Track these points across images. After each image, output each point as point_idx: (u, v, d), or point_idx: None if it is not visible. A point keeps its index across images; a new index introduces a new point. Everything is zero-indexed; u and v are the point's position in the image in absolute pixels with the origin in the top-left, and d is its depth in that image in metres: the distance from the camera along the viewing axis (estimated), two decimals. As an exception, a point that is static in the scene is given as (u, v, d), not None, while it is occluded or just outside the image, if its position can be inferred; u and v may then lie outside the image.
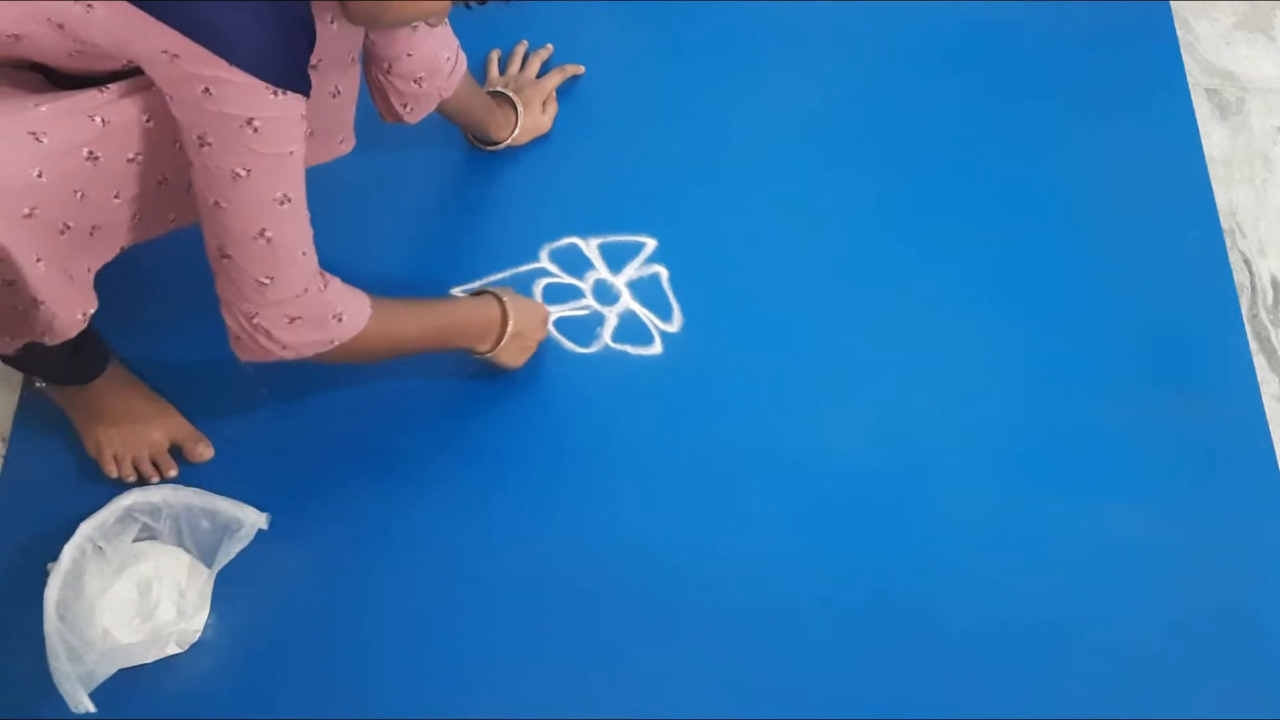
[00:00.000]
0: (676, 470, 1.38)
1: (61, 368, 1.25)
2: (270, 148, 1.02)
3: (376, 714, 1.24)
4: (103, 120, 1.01)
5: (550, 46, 1.62)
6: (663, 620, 1.30)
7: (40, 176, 0.98)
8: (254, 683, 1.25)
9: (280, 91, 1.00)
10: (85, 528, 1.21)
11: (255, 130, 1.00)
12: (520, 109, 1.53)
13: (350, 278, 1.49)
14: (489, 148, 1.54)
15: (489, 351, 1.33)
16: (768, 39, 1.67)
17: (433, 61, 1.30)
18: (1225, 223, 1.58)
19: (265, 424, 1.37)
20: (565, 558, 1.32)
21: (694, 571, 1.32)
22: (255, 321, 1.11)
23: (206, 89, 0.98)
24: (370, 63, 1.28)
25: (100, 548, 1.22)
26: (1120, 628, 1.32)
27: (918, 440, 1.41)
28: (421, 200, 1.54)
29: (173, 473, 1.32)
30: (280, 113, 1.01)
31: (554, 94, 1.58)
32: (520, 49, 1.61)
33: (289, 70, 1.01)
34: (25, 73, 1.05)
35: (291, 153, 1.04)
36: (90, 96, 1.01)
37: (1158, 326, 1.49)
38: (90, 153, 1.02)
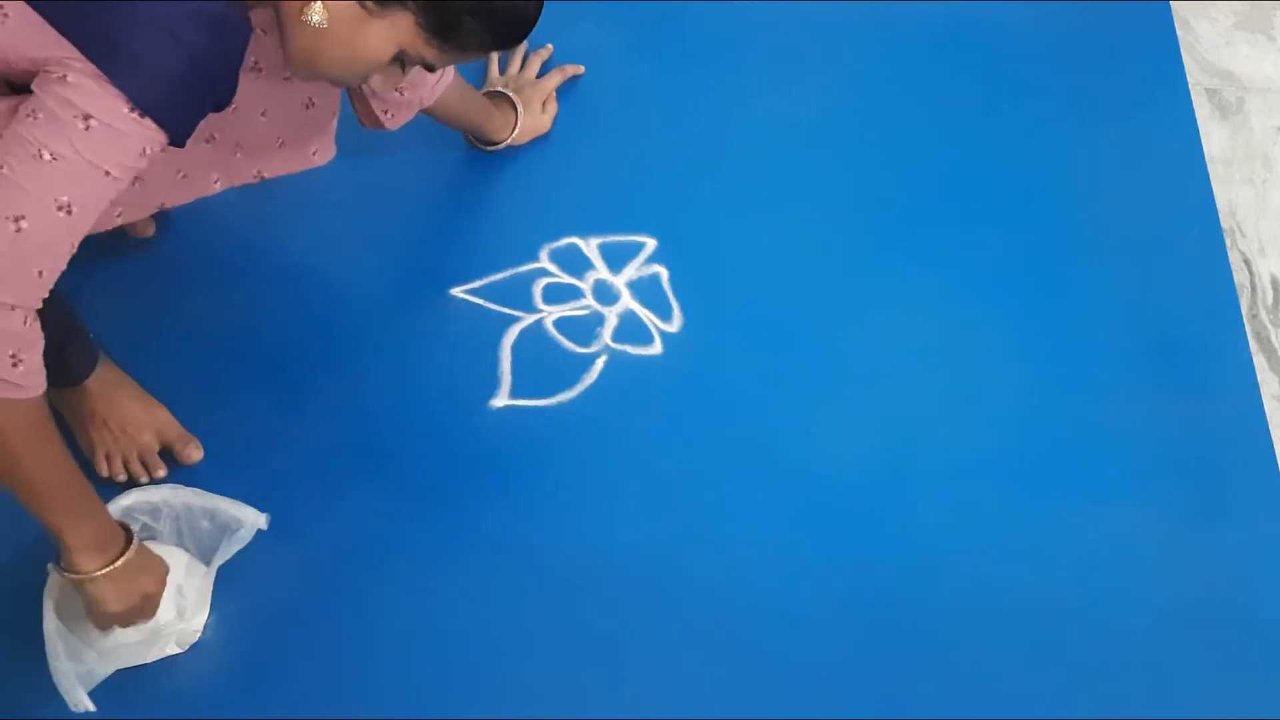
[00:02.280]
0: (676, 470, 1.37)
1: (50, 369, 1.24)
2: (89, 153, 0.96)
3: (376, 714, 1.24)
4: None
5: (550, 47, 1.62)
6: (663, 621, 1.30)
7: None
8: (254, 683, 1.24)
9: (139, 114, 0.96)
10: (85, 527, 1.21)
11: (87, 128, 0.95)
12: (520, 109, 1.53)
13: (350, 278, 1.50)
14: (489, 148, 1.54)
15: (76, 574, 1.11)
16: (768, 39, 1.67)
17: (415, 75, 1.29)
18: (1225, 223, 1.59)
19: (265, 424, 1.37)
20: (565, 558, 1.32)
21: (693, 572, 1.32)
22: None
23: (65, 76, 0.94)
24: None
25: (100, 548, 1.22)
26: (1120, 627, 1.31)
27: (917, 440, 1.40)
28: (421, 201, 1.54)
29: (161, 473, 1.32)
30: (124, 129, 0.96)
31: (554, 94, 1.58)
32: (520, 49, 1.61)
33: (167, 106, 0.97)
34: None
35: (107, 173, 0.97)
36: (8, 104, 0.99)
37: (1158, 326, 1.49)
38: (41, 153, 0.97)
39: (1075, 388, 1.45)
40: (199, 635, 1.25)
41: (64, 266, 0.99)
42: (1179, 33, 1.72)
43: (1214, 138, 1.65)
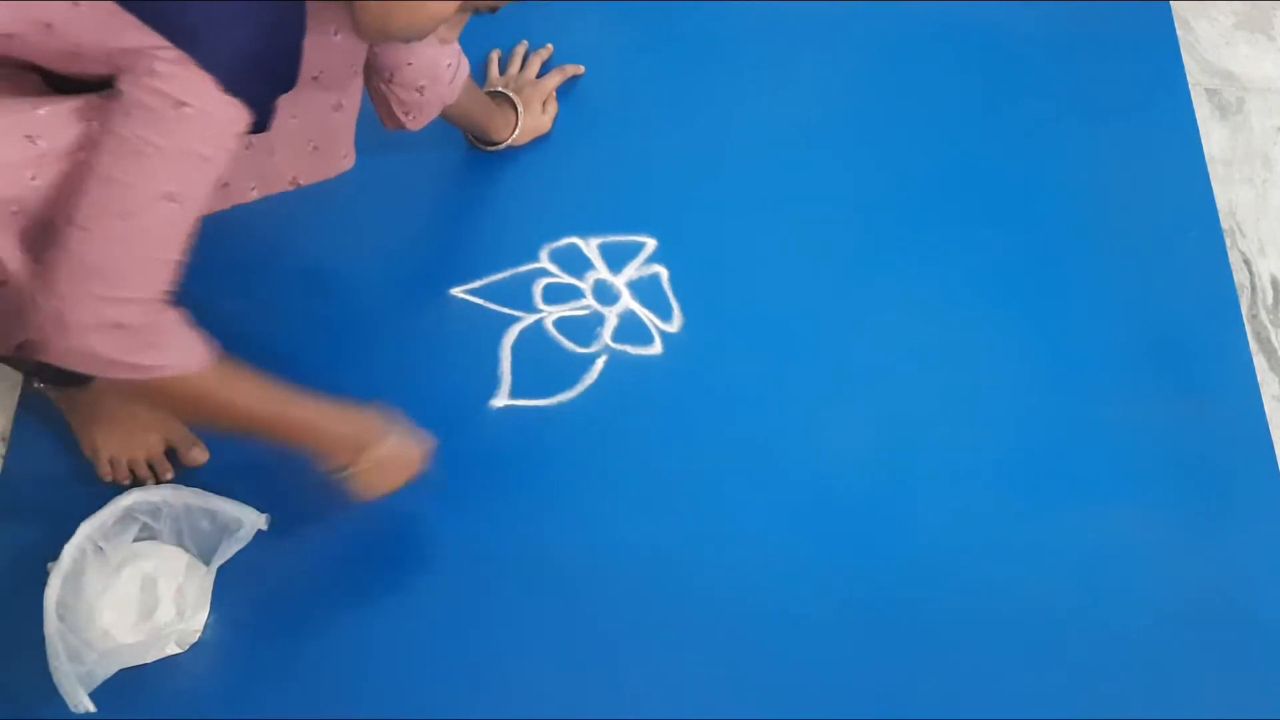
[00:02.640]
0: (676, 470, 1.37)
1: (59, 369, 1.25)
2: (189, 140, 0.97)
3: (376, 714, 1.24)
4: (99, 125, 1.00)
5: (550, 46, 1.62)
6: (663, 620, 1.30)
7: (34, 179, 0.98)
8: (254, 683, 1.25)
9: (228, 94, 0.97)
10: (85, 528, 1.21)
11: (183, 115, 0.96)
12: (520, 109, 1.53)
13: (351, 277, 1.50)
14: (489, 148, 1.54)
15: (337, 470, 1.21)
16: (768, 39, 1.67)
17: (434, 69, 1.30)
18: (1225, 223, 1.59)
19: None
20: (565, 557, 1.32)
21: (694, 571, 1.32)
22: (59, 307, 0.97)
23: (154, 67, 0.95)
24: (371, 72, 1.28)
25: (100, 548, 1.22)
26: (1120, 627, 1.32)
27: (917, 440, 1.40)
28: (421, 200, 1.54)
29: (169, 476, 1.32)
30: (216, 111, 0.97)
31: (554, 94, 1.58)
32: (520, 49, 1.61)
33: (249, 83, 0.99)
34: (26, 74, 1.05)
35: (206, 158, 0.99)
36: (88, 101, 1.01)
37: (1158, 327, 1.49)
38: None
39: (1075, 388, 1.45)
40: (199, 635, 1.25)
41: (183, 255, 1.01)
42: (1179, 33, 1.72)
43: (1214, 138, 1.65)
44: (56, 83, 1.05)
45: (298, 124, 1.20)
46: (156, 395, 1.09)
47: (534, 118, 1.55)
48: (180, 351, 1.04)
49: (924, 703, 1.27)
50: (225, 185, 1.20)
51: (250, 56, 0.99)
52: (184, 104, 0.96)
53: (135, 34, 0.95)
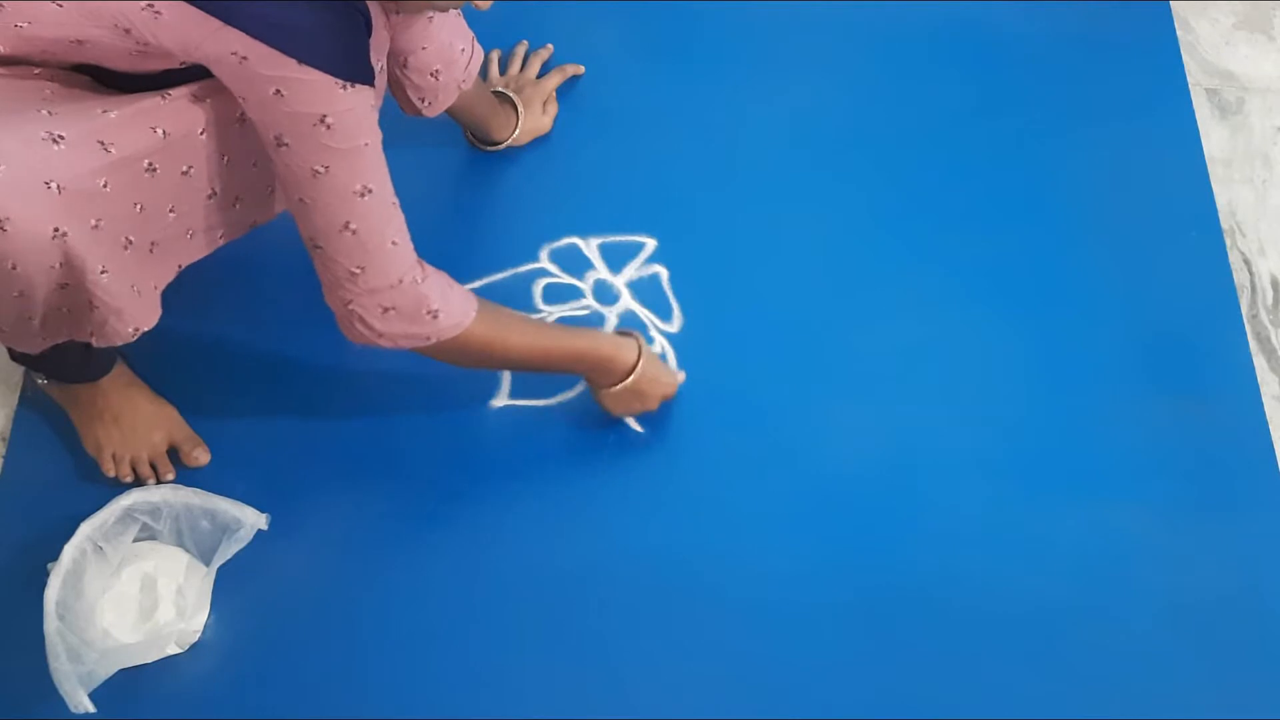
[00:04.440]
0: (676, 470, 1.37)
1: (74, 365, 1.25)
2: (345, 142, 1.03)
3: (376, 714, 1.24)
4: (163, 132, 1.03)
5: (550, 47, 1.62)
6: (663, 621, 1.30)
7: (105, 186, 0.99)
8: (254, 683, 1.25)
9: (349, 85, 1.01)
10: (85, 528, 1.21)
11: (329, 127, 1.01)
12: (521, 109, 1.53)
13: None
14: (489, 148, 1.54)
15: (598, 389, 1.34)
16: (768, 39, 1.67)
17: (448, 54, 1.30)
18: (1225, 223, 1.58)
19: (265, 424, 1.37)
20: (565, 557, 1.32)
21: (694, 571, 1.32)
22: (350, 308, 1.13)
23: (278, 90, 0.99)
24: (388, 59, 1.28)
25: (100, 548, 1.22)
26: (1121, 627, 1.32)
27: (917, 440, 1.40)
28: (421, 200, 1.52)
29: (170, 476, 1.32)
30: (351, 105, 1.02)
31: (554, 94, 1.58)
32: (520, 49, 1.61)
33: (354, 63, 1.02)
34: (73, 74, 1.05)
35: (367, 144, 1.05)
36: (154, 105, 1.02)
37: (1158, 326, 1.49)
38: (150, 164, 1.03)
39: (1075, 387, 1.45)
40: (199, 635, 1.25)
41: (403, 228, 1.11)
42: (1179, 33, 1.72)
43: (1214, 138, 1.65)
44: (106, 80, 1.05)
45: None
46: (445, 353, 1.20)
47: (534, 118, 1.55)
48: (450, 312, 1.16)
49: (925, 702, 1.27)
50: (273, 191, 1.21)
51: (341, 43, 1.01)
52: (324, 116, 1.01)
53: (227, 37, 0.97)
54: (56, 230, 0.97)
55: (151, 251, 1.10)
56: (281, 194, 1.10)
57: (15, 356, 1.27)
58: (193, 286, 1.45)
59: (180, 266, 1.16)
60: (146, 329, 1.13)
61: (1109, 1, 1.73)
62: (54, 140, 0.96)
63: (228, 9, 0.96)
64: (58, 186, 0.96)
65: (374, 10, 1.07)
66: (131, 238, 1.05)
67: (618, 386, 1.31)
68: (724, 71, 1.64)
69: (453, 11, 1.29)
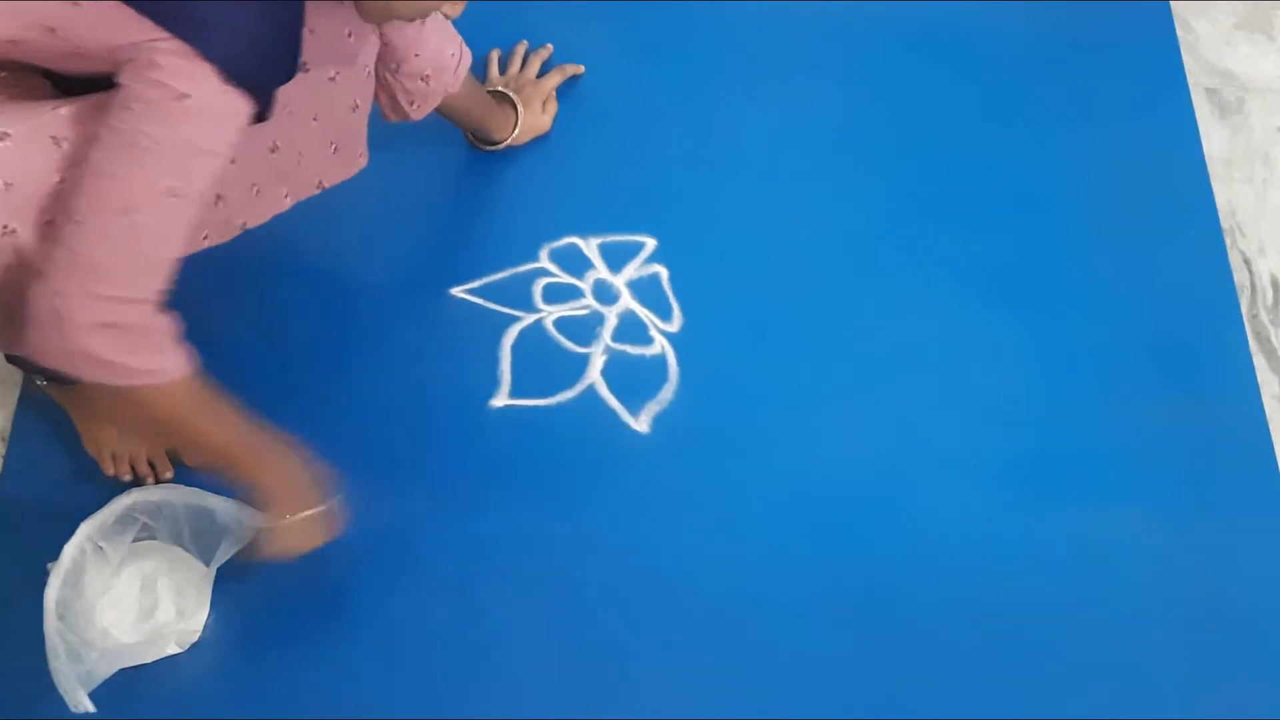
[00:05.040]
0: (676, 470, 1.37)
1: None
2: (190, 134, 0.96)
3: (376, 714, 1.24)
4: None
5: (550, 46, 1.62)
6: (663, 619, 1.30)
7: (61, 182, 0.97)
8: (254, 683, 1.25)
9: (230, 85, 0.96)
10: (85, 528, 1.21)
11: (185, 107, 0.95)
12: (520, 108, 1.53)
13: (350, 277, 1.49)
14: (489, 148, 1.54)
15: (269, 520, 1.18)
16: (768, 39, 1.67)
17: (439, 59, 1.30)
18: (1225, 223, 1.58)
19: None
20: (565, 557, 1.32)
21: (694, 571, 1.32)
22: (55, 305, 0.95)
23: (154, 59, 0.94)
24: (377, 64, 1.28)
25: (100, 547, 1.22)
26: (1120, 627, 1.32)
27: (917, 440, 1.40)
28: (421, 200, 1.54)
29: (168, 474, 1.32)
30: (218, 104, 0.96)
31: (554, 94, 1.58)
32: (520, 49, 1.61)
33: (251, 73, 0.98)
34: (33, 76, 1.05)
35: (208, 151, 0.98)
36: (103, 99, 1.00)
37: (1158, 326, 1.49)
38: None
39: (1075, 387, 1.45)
40: (199, 635, 1.25)
41: (181, 252, 1.00)
42: (1179, 33, 1.72)
43: (1214, 138, 1.65)
44: (63, 84, 1.05)
45: (319, 126, 1.21)
46: (133, 404, 1.05)
47: (534, 117, 1.55)
48: (168, 359, 1.03)
49: (924, 702, 1.27)
50: (258, 192, 1.20)
51: (251, 46, 0.98)
52: (185, 95, 0.94)
53: (136, 28, 0.94)
54: (5, 227, 0.96)
55: None
56: (89, 161, 0.96)
57: (10, 358, 1.26)
58: (193, 287, 1.45)
59: None
60: None
61: (1109, 1, 1.73)
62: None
63: (148, 4, 0.94)
64: (3, 183, 0.94)
65: (340, 35, 1.06)
66: None
67: (292, 518, 1.18)
68: (724, 71, 1.64)
69: (439, 16, 1.29)
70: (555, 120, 1.57)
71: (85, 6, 0.95)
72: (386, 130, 1.37)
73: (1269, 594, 1.34)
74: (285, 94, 1.07)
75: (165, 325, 1.01)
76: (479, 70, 1.60)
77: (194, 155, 0.97)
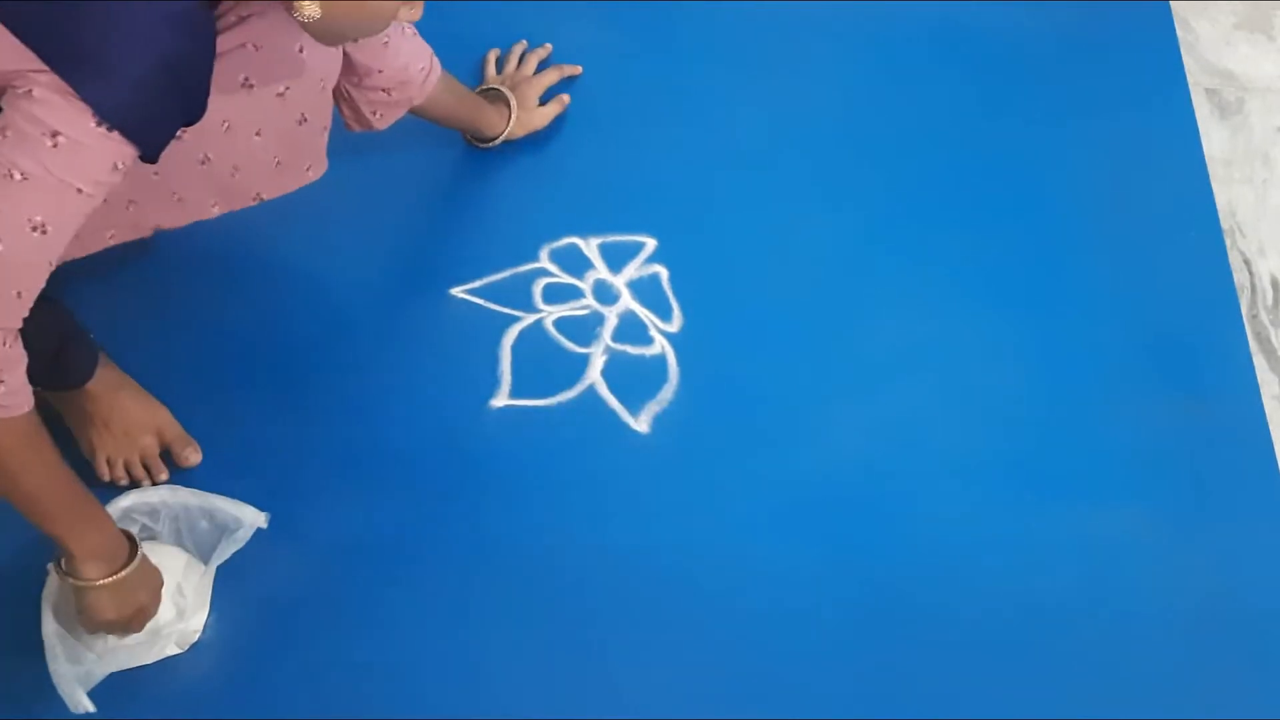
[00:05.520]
0: (676, 469, 1.37)
1: (46, 373, 1.23)
2: (59, 170, 0.93)
3: (376, 714, 1.24)
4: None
5: (549, 46, 1.62)
6: (664, 620, 1.30)
7: None
8: (254, 683, 1.24)
9: (106, 128, 0.93)
10: (85, 528, 1.21)
11: (54, 145, 0.92)
12: (513, 103, 1.52)
13: (350, 278, 1.49)
14: (485, 145, 1.54)
15: (78, 581, 1.11)
16: (768, 39, 1.67)
17: (403, 75, 1.30)
18: (1225, 223, 1.58)
19: (264, 424, 1.37)
20: (564, 558, 1.32)
21: (694, 571, 1.32)
22: None
23: (31, 91, 0.92)
24: (341, 76, 1.26)
25: (100, 548, 1.22)
26: (1120, 627, 1.31)
27: (917, 440, 1.40)
28: (421, 200, 1.54)
29: (163, 477, 1.31)
30: (91, 144, 0.93)
31: (561, 95, 1.58)
32: (518, 48, 1.61)
33: (137, 117, 0.95)
34: None
35: (79, 191, 0.95)
36: None
37: (1158, 327, 1.49)
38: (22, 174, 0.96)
39: (1075, 387, 1.45)
40: (199, 635, 1.25)
41: (42, 286, 0.98)
42: (1179, 33, 1.72)
43: (1214, 138, 1.65)
44: None
45: (261, 141, 1.19)
46: None
47: (528, 112, 1.55)
48: (13, 394, 0.99)
49: (924, 702, 1.27)
50: (179, 199, 1.19)
51: (141, 87, 0.94)
52: (57, 134, 0.92)
53: (14, 55, 0.91)
54: None
55: None
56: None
57: None
58: (192, 287, 1.45)
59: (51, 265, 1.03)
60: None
61: (1109, 1, 1.73)
62: None
63: (36, 30, 0.91)
64: None
65: (291, 50, 1.05)
66: None
67: (96, 582, 1.11)
68: (724, 71, 1.64)
69: (409, 31, 1.28)
70: (555, 120, 1.57)
71: None
72: (385, 132, 1.37)
73: (1269, 594, 1.34)
74: (224, 109, 1.05)
75: (14, 358, 0.98)
76: (476, 69, 1.60)
77: (65, 193, 0.95)
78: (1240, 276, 1.55)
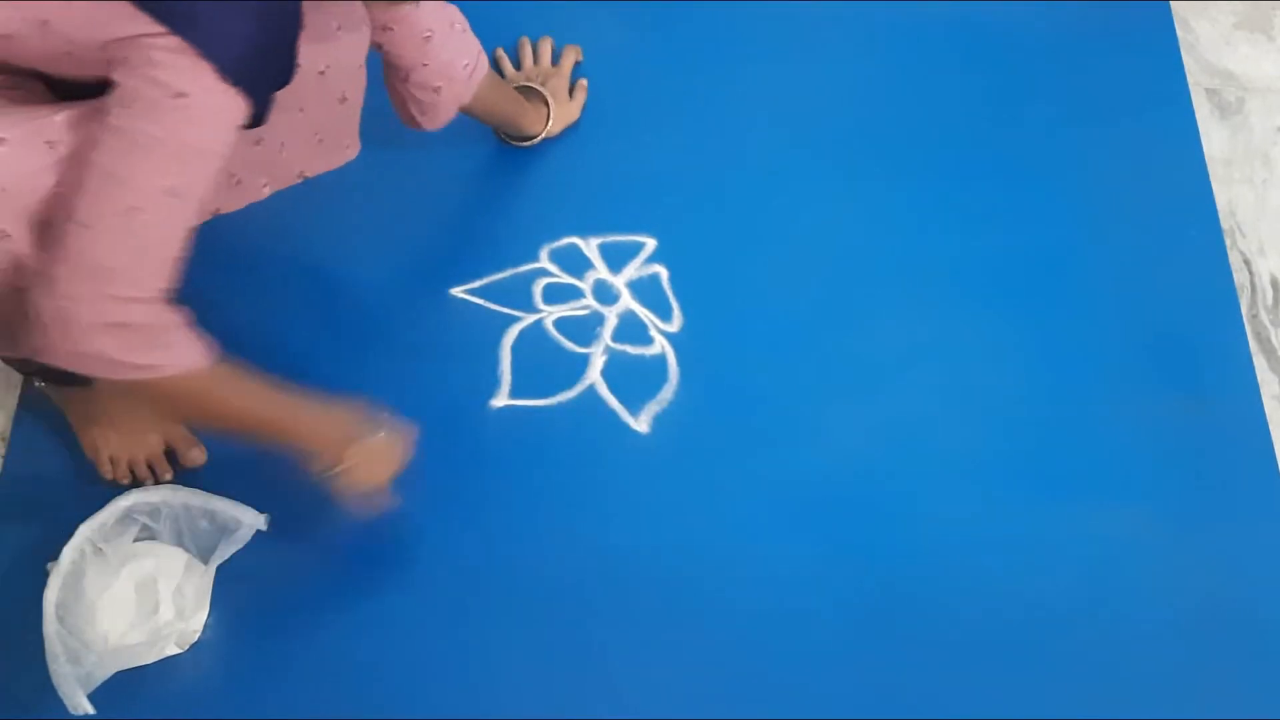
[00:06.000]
0: (676, 470, 1.37)
1: (58, 368, 1.24)
2: (189, 132, 0.96)
3: (376, 714, 1.24)
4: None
5: (550, 39, 1.61)
6: (664, 620, 1.30)
7: (57, 187, 0.97)
8: (254, 683, 1.25)
9: (229, 83, 0.96)
10: (85, 529, 1.21)
11: (183, 105, 0.94)
12: (551, 101, 1.52)
13: (350, 278, 1.49)
14: (523, 143, 1.53)
15: (325, 468, 1.19)
16: (768, 39, 1.67)
17: (449, 70, 1.29)
18: (1225, 223, 1.58)
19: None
20: (565, 559, 1.32)
21: (695, 571, 1.32)
22: (63, 307, 0.96)
23: (153, 58, 0.94)
24: (389, 72, 1.29)
25: (100, 549, 1.22)
26: (1120, 627, 1.32)
27: (917, 440, 1.40)
28: (421, 200, 1.54)
29: (168, 476, 1.32)
30: (217, 101, 0.96)
31: (583, 84, 1.57)
32: (525, 43, 1.60)
33: (249, 73, 0.98)
34: (31, 81, 1.05)
35: (206, 150, 0.98)
36: (100, 104, 1.00)
37: (1158, 326, 1.49)
38: None
39: (1075, 387, 1.45)
40: (198, 635, 1.25)
41: (182, 251, 1.00)
42: (1179, 33, 1.72)
43: (1214, 138, 1.65)
44: (60, 89, 1.05)
45: (305, 117, 1.21)
46: (157, 394, 1.08)
47: (564, 107, 1.54)
48: (183, 351, 1.03)
49: (924, 702, 1.27)
50: (238, 182, 1.21)
51: (250, 47, 0.98)
52: (183, 94, 0.94)
53: (131, 22, 0.94)
54: (1, 232, 0.96)
55: None
56: (85, 167, 0.96)
57: (7, 360, 1.26)
58: (192, 287, 1.45)
59: None
60: None
61: (1109, 1, 1.73)
62: None
63: (150, 3, 0.94)
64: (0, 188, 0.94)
65: (329, 29, 1.06)
66: None
67: (345, 462, 1.18)
68: (724, 70, 1.64)
69: (457, 26, 1.28)
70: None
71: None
72: (386, 131, 1.37)
73: (1269, 594, 1.34)
74: None
75: (174, 320, 1.02)
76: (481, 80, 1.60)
77: (193, 154, 0.98)
78: (1240, 276, 1.55)
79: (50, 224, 0.98)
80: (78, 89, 1.03)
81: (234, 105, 0.98)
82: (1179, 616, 1.32)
